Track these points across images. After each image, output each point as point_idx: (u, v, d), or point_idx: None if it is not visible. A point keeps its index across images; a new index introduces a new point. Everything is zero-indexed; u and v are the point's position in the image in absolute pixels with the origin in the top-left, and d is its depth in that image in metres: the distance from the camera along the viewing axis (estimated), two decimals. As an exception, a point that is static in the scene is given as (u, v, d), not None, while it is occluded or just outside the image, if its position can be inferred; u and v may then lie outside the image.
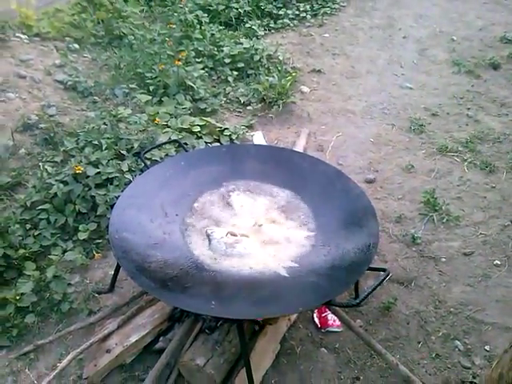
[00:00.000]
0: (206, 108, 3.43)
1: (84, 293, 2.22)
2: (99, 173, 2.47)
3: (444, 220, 2.68)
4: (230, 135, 3.15)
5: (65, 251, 2.31)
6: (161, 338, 1.97)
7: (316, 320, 2.10)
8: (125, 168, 2.56)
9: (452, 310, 2.17)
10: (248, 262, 1.80)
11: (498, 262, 2.41)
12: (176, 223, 1.96)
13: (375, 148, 3.33)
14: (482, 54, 4.56)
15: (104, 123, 2.87)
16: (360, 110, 3.76)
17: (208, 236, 1.90)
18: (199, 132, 3.06)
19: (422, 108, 3.77)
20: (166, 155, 2.73)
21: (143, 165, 2.24)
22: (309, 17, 5.22)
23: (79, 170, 2.33)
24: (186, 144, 2.85)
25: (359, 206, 2.00)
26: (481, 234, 2.60)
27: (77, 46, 3.94)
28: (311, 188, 2.13)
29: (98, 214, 2.40)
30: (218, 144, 3.07)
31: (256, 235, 1.94)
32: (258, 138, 3.29)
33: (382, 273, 1.70)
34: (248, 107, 3.66)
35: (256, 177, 2.21)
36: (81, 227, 2.37)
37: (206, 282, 1.67)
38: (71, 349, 1.94)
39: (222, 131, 3.17)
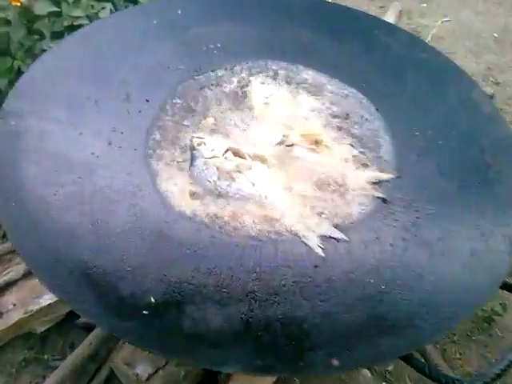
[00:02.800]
0: None
1: None
2: (60, 14, 1.56)
3: None
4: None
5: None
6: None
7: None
8: (105, 13, 1.63)
9: None
10: (253, 217, 0.92)
11: None
12: (141, 117, 1.09)
13: (499, 48, 2.29)
14: None
15: None
16: None
17: (191, 150, 1.02)
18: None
19: None
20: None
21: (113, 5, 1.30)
22: None
23: (16, 1, 1.42)
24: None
25: (487, 135, 1.07)
26: None
27: None
28: (400, 90, 1.17)
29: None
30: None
31: (281, 163, 1.03)
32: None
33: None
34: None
35: (303, 56, 1.26)
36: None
37: (156, 260, 0.82)
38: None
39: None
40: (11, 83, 1.51)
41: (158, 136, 1.05)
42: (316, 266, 0.84)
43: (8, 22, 1.55)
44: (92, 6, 1.62)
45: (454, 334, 1.29)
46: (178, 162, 1.01)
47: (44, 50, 1.54)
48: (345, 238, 0.91)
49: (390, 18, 2.27)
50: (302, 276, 0.82)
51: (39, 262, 0.76)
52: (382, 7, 2.44)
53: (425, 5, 2.52)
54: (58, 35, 1.60)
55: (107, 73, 1.13)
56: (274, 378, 1.00)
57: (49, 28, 1.57)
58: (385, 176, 1.03)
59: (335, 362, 0.63)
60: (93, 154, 0.96)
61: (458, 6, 2.53)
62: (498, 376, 0.65)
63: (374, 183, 1.02)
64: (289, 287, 0.79)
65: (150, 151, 1.02)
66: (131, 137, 1.03)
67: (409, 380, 1.20)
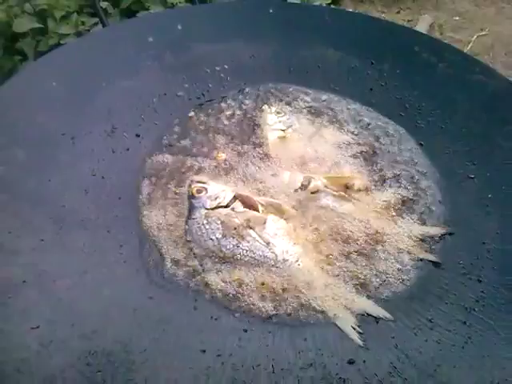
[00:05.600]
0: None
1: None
2: (45, 31, 1.42)
3: None
4: (297, 3, 1.97)
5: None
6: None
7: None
8: (97, 29, 1.48)
9: None
10: (265, 292, 0.75)
11: None
12: (130, 155, 0.92)
13: None
14: None
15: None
16: None
17: (190, 198, 0.84)
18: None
19: None
20: (172, 5, 1.59)
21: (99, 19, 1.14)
22: None
23: (-8, 16, 1.27)
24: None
25: None
26: None
27: None
28: (446, 120, 0.98)
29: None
30: None
31: (301, 216, 0.86)
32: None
33: None
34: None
35: (325, 80, 1.09)
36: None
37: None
38: None
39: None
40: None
41: (149, 181, 0.88)
42: (351, 363, 0.65)
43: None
44: (83, 22, 1.47)
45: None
46: (174, 214, 0.83)
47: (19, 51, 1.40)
48: (389, 316, 0.71)
49: (421, 31, 2.11)
50: (332, 377, 0.63)
51: None
52: (410, 21, 2.27)
53: (457, 18, 2.39)
54: (42, 55, 1.44)
55: (89, 100, 0.96)
56: None
57: (32, 47, 1.42)
58: (435, 231, 0.84)
59: None
60: (63, 206, 0.78)
61: (495, 17, 2.40)
62: None
63: (421, 240, 0.83)
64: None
65: (139, 203, 0.84)
66: (115, 183, 0.85)
67: None
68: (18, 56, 1.43)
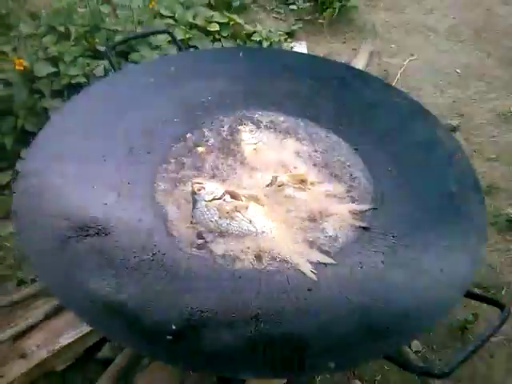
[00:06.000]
0: (232, 1, 2.59)
1: (18, 253, 1.57)
2: (57, 73, 1.74)
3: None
4: (260, 42, 2.35)
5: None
6: (106, 344, 1.31)
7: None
8: (99, 71, 1.82)
9: None
10: (251, 249, 1.08)
11: None
12: (144, 168, 1.25)
13: (462, 83, 2.52)
14: None
15: (85, 5, 2.09)
16: (445, 29, 2.94)
17: (193, 195, 1.18)
18: (218, 32, 2.26)
19: (533, 33, 2.85)
20: (157, 47, 1.96)
21: (110, 65, 1.48)
22: None
23: (20, 65, 1.60)
24: (194, 47, 2.06)
25: (451, 170, 1.26)
26: None
27: None
28: (373, 132, 1.36)
29: (50, 134, 1.69)
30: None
31: (272, 201, 1.20)
32: (301, 50, 2.49)
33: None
34: (292, 6, 2.87)
35: (286, 105, 1.45)
36: (23, 153, 1.67)
37: (172, 290, 0.97)
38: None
39: (250, 35, 2.41)
40: (17, 141, 1.68)
41: (161, 184, 1.22)
42: (310, 290, 1.00)
43: (9, 84, 1.72)
44: (88, 64, 1.80)
45: (434, 344, 1.45)
46: (182, 205, 1.18)
47: (45, 108, 1.72)
48: (333, 262, 1.07)
49: (361, 59, 2.51)
50: (298, 299, 0.98)
51: (73, 301, 0.91)
52: (354, 49, 2.67)
53: (393, 45, 2.75)
54: (57, 93, 1.77)
55: (111, 128, 1.29)
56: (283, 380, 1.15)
57: (48, 87, 1.74)
58: (364, 207, 1.21)
59: (331, 365, 0.78)
60: (105, 204, 1.11)
61: (423, 45, 2.76)
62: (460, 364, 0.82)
63: (355, 214, 1.19)
64: (288, 309, 0.94)
65: (156, 199, 1.18)
66: (137, 186, 1.19)
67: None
68: (37, 94, 1.75)
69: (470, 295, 0.96)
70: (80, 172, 1.16)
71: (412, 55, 2.70)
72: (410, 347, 1.43)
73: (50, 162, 1.15)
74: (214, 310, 0.92)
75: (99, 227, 1.05)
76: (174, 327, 0.87)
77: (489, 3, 3.10)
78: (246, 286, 0.99)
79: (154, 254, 1.01)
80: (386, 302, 0.94)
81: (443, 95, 2.41)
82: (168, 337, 0.85)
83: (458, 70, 2.59)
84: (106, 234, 1.03)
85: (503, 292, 1.59)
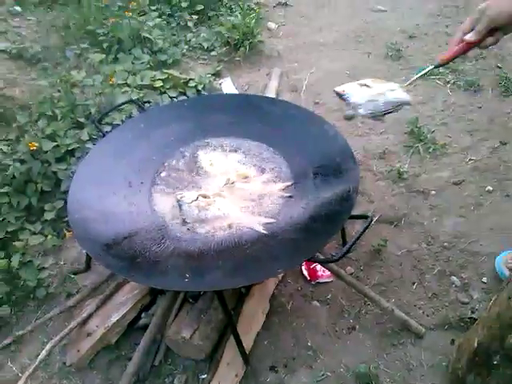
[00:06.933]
0: (166, 60, 3.23)
1: (60, 275, 2.14)
2: (57, 146, 2.33)
3: (430, 150, 2.58)
4: (195, 86, 2.98)
5: (33, 234, 2.20)
6: (143, 314, 1.90)
7: (305, 273, 2.04)
8: (84, 137, 2.42)
9: (445, 244, 2.11)
10: (223, 225, 1.70)
11: (490, 188, 2.34)
12: (142, 192, 1.84)
13: (352, 81, 3.14)
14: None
15: (57, 90, 2.69)
16: (332, 42, 3.61)
17: (178, 202, 1.79)
18: (162, 87, 2.88)
19: (397, 31, 3.59)
20: (129, 116, 2.57)
21: (98, 131, 2.08)
22: None
23: (33, 146, 2.18)
24: (148, 102, 2.69)
25: (335, 148, 1.88)
26: (470, 159, 2.52)
27: (19, 8, 3.64)
28: (284, 136, 2.00)
29: (62, 190, 2.28)
30: (184, 97, 2.91)
31: (230, 194, 1.83)
32: (227, 85, 3.12)
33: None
34: (212, 53, 3.46)
35: (224, 131, 2.07)
36: (46, 207, 2.25)
37: (179, 254, 1.58)
38: (53, 336, 1.87)
39: (186, 83, 3.00)
40: (39, 200, 2.24)
41: (156, 199, 1.83)
42: (260, 238, 1.63)
43: (23, 161, 2.29)
44: (77, 133, 2.40)
45: (361, 266, 2.10)
46: (173, 209, 1.79)
47: (54, 172, 2.30)
48: (273, 220, 1.71)
49: (274, 80, 3.15)
50: (255, 243, 1.60)
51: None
52: (267, 74, 3.30)
53: (296, 64, 3.37)
54: (59, 159, 2.35)
55: (114, 172, 1.88)
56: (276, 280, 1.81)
57: (53, 156, 2.32)
58: (287, 184, 1.85)
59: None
60: (123, 220, 1.72)
61: (318, 59, 3.39)
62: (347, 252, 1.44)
63: (283, 190, 1.84)
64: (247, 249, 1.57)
65: (155, 208, 1.79)
66: (138, 206, 1.79)
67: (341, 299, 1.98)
68: (46, 163, 2.33)
69: (350, 217, 1.59)
70: (101, 204, 1.75)
71: (312, 69, 3.31)
72: (345, 271, 2.08)
73: (83, 201, 1.74)
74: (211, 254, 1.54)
75: (130, 237, 1.64)
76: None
77: (362, 14, 3.80)
78: (220, 241, 1.61)
79: (161, 237, 1.63)
80: (306, 230, 1.57)
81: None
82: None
83: (347, 72, 3.22)
84: (134, 234, 1.64)
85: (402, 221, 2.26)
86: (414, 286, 1.96)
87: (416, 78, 1.49)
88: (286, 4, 3.99)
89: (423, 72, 1.47)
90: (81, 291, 2.02)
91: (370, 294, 1.79)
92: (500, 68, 3.11)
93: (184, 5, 3.74)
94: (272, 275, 1.76)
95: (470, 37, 1.28)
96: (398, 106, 1.51)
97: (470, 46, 1.30)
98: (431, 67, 1.43)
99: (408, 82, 1.49)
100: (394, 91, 1.53)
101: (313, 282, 2.01)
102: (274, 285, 1.97)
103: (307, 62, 3.41)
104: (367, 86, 1.59)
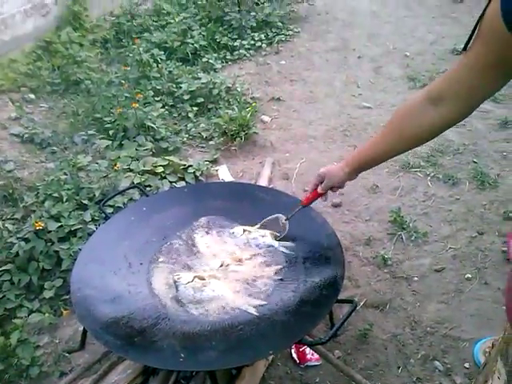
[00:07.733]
0: (168, 147, 3.42)
1: (54, 353, 2.15)
2: (61, 226, 2.42)
3: (412, 238, 2.70)
4: (194, 172, 3.14)
5: (31, 312, 2.24)
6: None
7: (294, 355, 2.07)
8: (87, 218, 2.52)
9: (428, 329, 2.17)
10: (217, 306, 1.77)
11: (469, 276, 2.44)
12: (140, 273, 1.92)
13: None
14: (436, 67, 4.68)
15: (64, 173, 2.83)
16: (321, 135, 3.79)
17: (175, 283, 1.86)
18: (162, 172, 3.04)
19: (381, 126, 3.81)
20: (130, 199, 2.69)
21: (103, 214, 2.19)
22: (264, 45, 5.31)
23: (39, 225, 2.28)
24: (149, 186, 2.83)
25: (323, 235, 2.00)
26: (450, 248, 2.63)
27: (33, 96, 3.90)
28: (276, 221, 2.12)
29: (63, 269, 2.34)
30: (183, 183, 3.05)
31: (224, 276, 1.91)
32: (223, 172, 3.28)
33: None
34: (210, 142, 3.66)
35: (219, 215, 2.19)
36: (46, 285, 2.31)
37: (175, 334, 1.63)
38: (44, 416, 1.87)
39: (185, 169, 3.16)
40: (39, 278, 2.30)
41: (154, 279, 1.90)
42: (252, 320, 1.69)
43: (27, 240, 2.38)
44: (80, 214, 2.51)
45: (348, 348, 2.14)
46: (170, 289, 1.86)
47: (56, 251, 2.37)
48: (265, 302, 1.78)
49: (266, 169, 3.32)
50: (247, 324, 1.66)
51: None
52: (260, 162, 3.49)
53: (287, 154, 3.55)
54: (62, 239, 2.44)
55: (116, 253, 1.97)
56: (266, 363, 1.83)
57: (56, 236, 2.41)
58: (279, 267, 1.94)
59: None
60: (124, 300, 1.78)
61: (308, 150, 3.58)
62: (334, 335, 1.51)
63: (275, 273, 1.92)
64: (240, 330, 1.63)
65: (153, 288, 1.86)
66: (139, 284, 1.87)
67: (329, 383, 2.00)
68: (49, 242, 2.41)
69: (337, 301, 1.68)
70: (102, 283, 1.82)
71: (302, 159, 3.46)
72: (333, 354, 2.11)
73: (85, 280, 1.81)
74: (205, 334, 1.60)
75: (129, 316, 1.70)
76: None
77: (349, 110, 4.08)
78: (215, 324, 1.67)
79: (158, 317, 1.69)
80: (295, 313, 1.64)
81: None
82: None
83: (334, 163, 3.42)
84: (132, 313, 1.70)
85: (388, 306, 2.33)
86: (400, 370, 2.00)
87: (293, 215, 2.00)
88: (279, 99, 4.26)
89: (296, 210, 1.99)
90: (74, 370, 2.02)
91: (356, 378, 1.82)
92: (476, 163, 3.31)
93: (186, 97, 4.00)
94: (264, 356, 1.80)
95: (320, 190, 1.88)
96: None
97: (321, 194, 1.89)
98: (301, 207, 1.99)
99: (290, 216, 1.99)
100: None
101: (302, 365, 2.03)
102: (264, 367, 2.00)
103: (298, 153, 3.57)
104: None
